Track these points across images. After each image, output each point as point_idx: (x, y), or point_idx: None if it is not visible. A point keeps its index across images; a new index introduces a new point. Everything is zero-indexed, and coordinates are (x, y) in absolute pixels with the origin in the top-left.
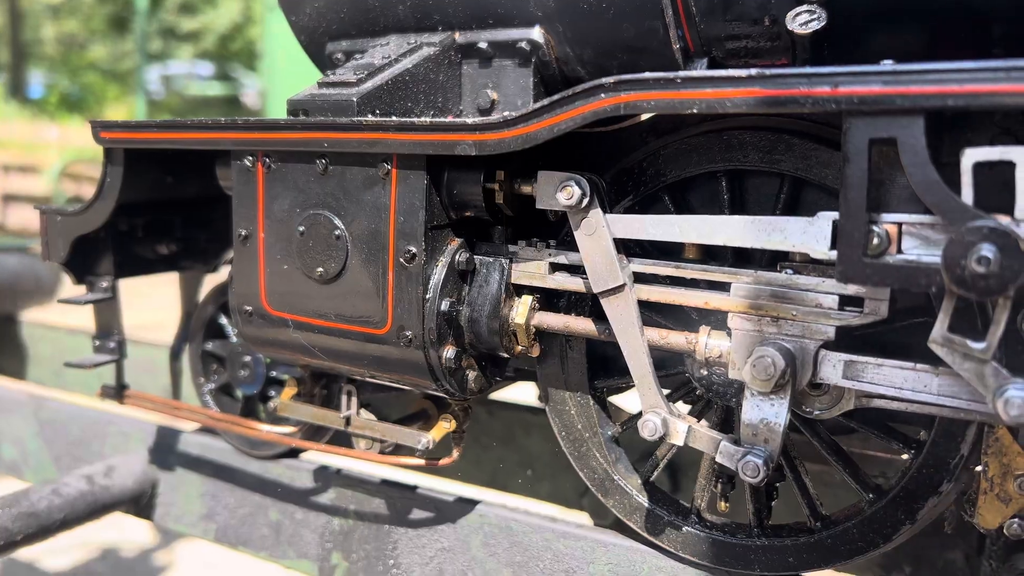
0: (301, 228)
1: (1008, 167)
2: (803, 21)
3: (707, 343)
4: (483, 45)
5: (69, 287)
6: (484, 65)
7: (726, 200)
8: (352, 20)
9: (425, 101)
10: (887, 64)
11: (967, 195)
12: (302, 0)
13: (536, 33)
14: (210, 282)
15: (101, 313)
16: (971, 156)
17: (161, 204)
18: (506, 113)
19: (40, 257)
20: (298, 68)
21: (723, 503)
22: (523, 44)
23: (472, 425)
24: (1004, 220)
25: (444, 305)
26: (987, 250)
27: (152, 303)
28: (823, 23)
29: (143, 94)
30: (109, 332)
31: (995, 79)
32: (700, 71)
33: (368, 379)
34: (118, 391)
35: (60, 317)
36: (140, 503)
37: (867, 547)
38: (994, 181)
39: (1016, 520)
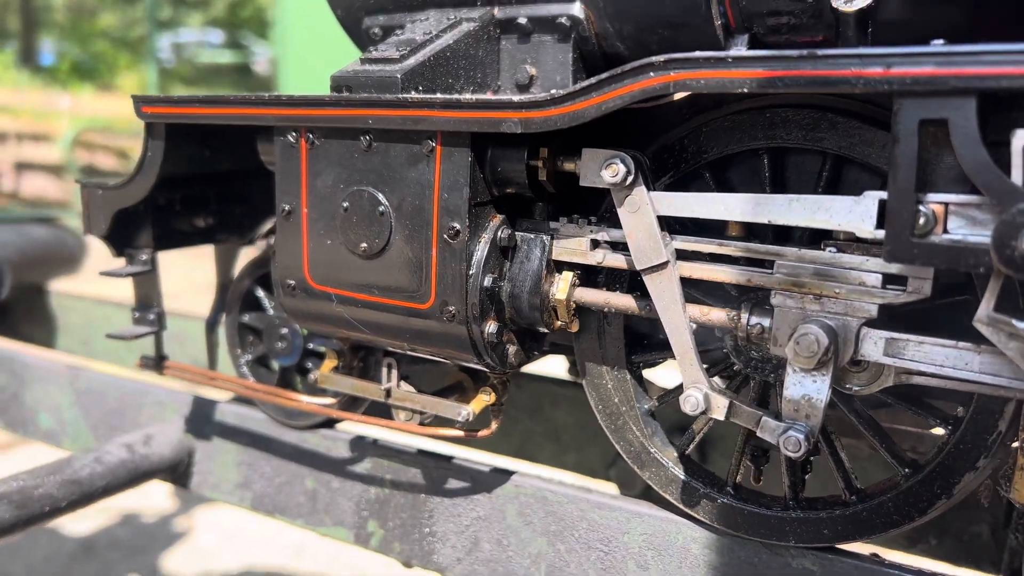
0: (345, 204)
1: None
2: None
3: (749, 320)
4: (523, 20)
5: (96, 258)
6: (523, 40)
7: (767, 178)
8: None
9: (465, 77)
10: (939, 44)
11: (1017, 176)
12: None
13: (576, 8)
14: (245, 255)
15: (140, 285)
16: (1022, 137)
17: (199, 178)
18: (553, 91)
19: (66, 228)
20: (309, 36)
21: (757, 477)
22: (563, 19)
23: None
24: None
25: (487, 281)
26: None
27: (165, 274)
28: (868, 1)
29: (155, 62)
30: (149, 304)
31: None
32: (749, 51)
33: (409, 352)
34: (157, 362)
35: (88, 287)
36: (178, 471)
37: (902, 520)
38: None
39: None
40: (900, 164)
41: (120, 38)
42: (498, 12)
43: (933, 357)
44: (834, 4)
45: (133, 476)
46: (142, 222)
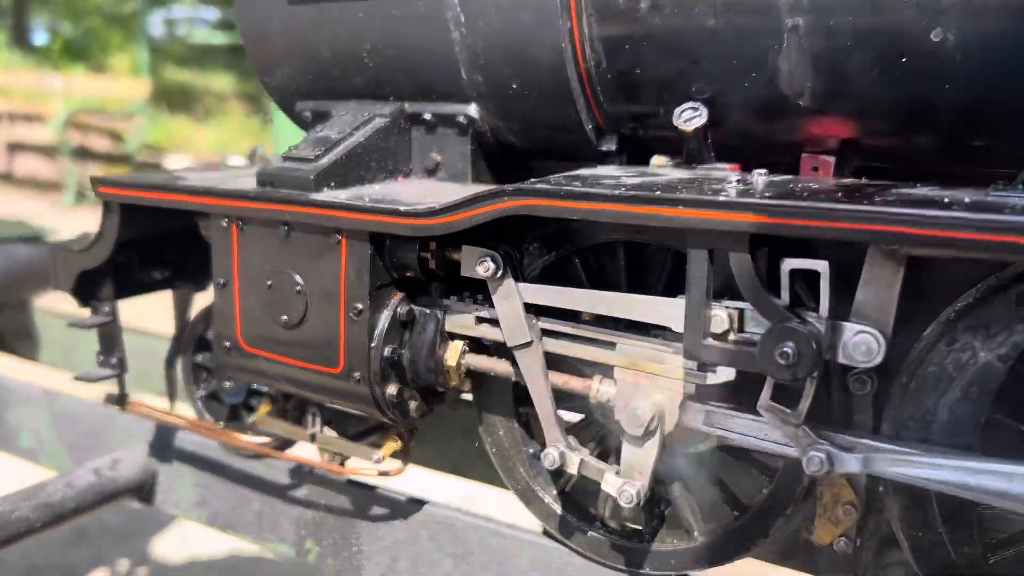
0: (269, 282)
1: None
2: (687, 118)
3: (599, 389)
4: (428, 116)
5: None
6: (430, 132)
7: (623, 268)
8: (317, 86)
9: (377, 167)
10: (724, 195)
11: (785, 296)
12: (273, 66)
13: (472, 109)
14: (200, 300)
15: (104, 333)
16: (788, 264)
17: (154, 237)
18: (432, 204)
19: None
20: None
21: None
22: (461, 118)
23: (438, 419)
24: (812, 316)
25: (387, 351)
26: (788, 347)
27: None
28: (704, 120)
29: (146, 42)
30: (111, 349)
31: (794, 213)
32: (578, 187)
33: (328, 405)
34: (120, 399)
35: (69, 304)
36: (143, 491)
37: (731, 555)
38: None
39: (843, 538)
40: (692, 281)
41: (112, 13)
42: (408, 107)
43: (743, 427)
44: (675, 122)
45: (101, 497)
46: (104, 278)
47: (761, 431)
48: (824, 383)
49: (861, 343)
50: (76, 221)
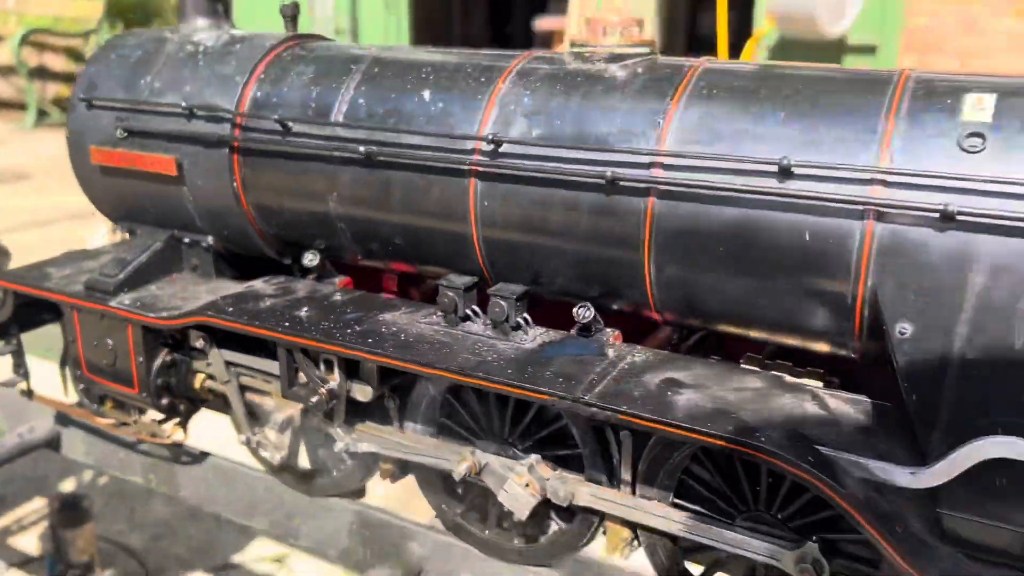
0: (95, 342)
1: None
2: (308, 260)
3: (263, 401)
4: (187, 240)
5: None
6: (189, 248)
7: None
8: (128, 214)
9: (158, 271)
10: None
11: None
12: (99, 201)
13: (209, 239)
14: None
15: (14, 356)
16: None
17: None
18: (164, 312)
19: None
20: None
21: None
22: (203, 243)
23: None
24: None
25: (159, 381)
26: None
27: None
28: (316, 260)
29: None
30: (20, 364)
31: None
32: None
33: None
34: (29, 393)
35: None
36: (52, 444)
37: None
38: None
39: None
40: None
41: None
42: (176, 234)
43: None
44: (303, 262)
45: (25, 450)
46: (10, 323)
47: None
48: None
49: None
50: (39, 144)
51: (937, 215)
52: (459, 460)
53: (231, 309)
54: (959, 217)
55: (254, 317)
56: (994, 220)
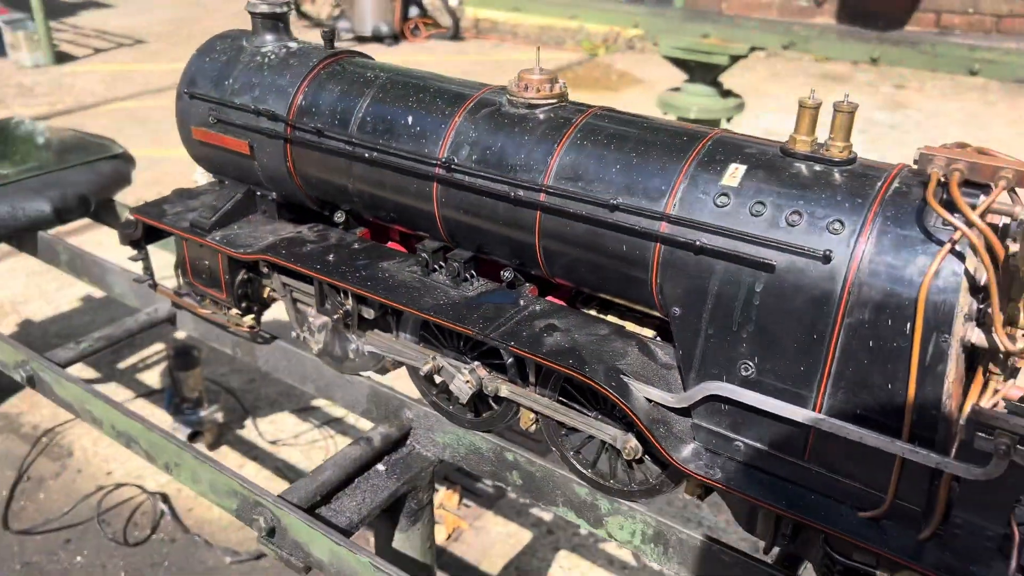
0: (197, 259)
1: None
2: (337, 218)
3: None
4: (259, 193)
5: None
6: (261, 199)
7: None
8: (219, 171)
9: (239, 215)
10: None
11: None
12: (198, 158)
13: (272, 194)
14: None
15: (144, 261)
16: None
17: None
18: (241, 248)
19: (124, 159)
20: None
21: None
22: (269, 197)
23: None
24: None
25: (239, 291)
26: None
27: None
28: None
29: None
30: (147, 268)
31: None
32: None
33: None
34: (154, 287)
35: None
36: (171, 321)
37: None
38: None
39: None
40: None
41: None
42: (251, 188)
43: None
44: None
45: (152, 323)
46: (140, 240)
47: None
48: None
49: None
50: (155, 6)
51: (693, 246)
52: (425, 362)
53: (284, 251)
54: (705, 248)
55: (299, 258)
56: (722, 250)
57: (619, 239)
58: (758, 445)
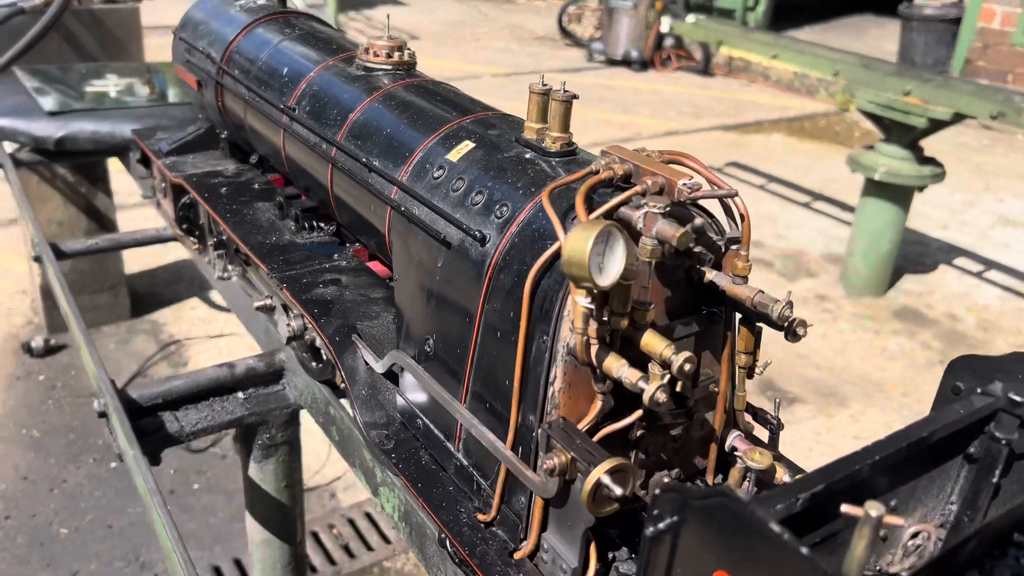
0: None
1: None
2: None
3: None
4: (216, 130)
5: None
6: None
7: None
8: (198, 106)
9: (197, 150)
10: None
11: None
12: (187, 96)
13: (225, 132)
14: None
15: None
16: None
17: None
18: (189, 171)
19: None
20: None
21: None
22: (223, 135)
23: None
24: None
25: (180, 213)
26: None
27: None
28: None
29: None
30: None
31: None
32: None
33: None
34: (157, 204)
35: None
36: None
37: None
38: None
39: None
40: None
41: None
42: (213, 124)
43: None
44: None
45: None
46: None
47: None
48: None
49: None
50: (439, 6)
51: (405, 213)
52: (262, 299)
53: (195, 180)
54: (412, 218)
55: (199, 187)
56: (421, 222)
57: (371, 199)
58: (431, 425)
